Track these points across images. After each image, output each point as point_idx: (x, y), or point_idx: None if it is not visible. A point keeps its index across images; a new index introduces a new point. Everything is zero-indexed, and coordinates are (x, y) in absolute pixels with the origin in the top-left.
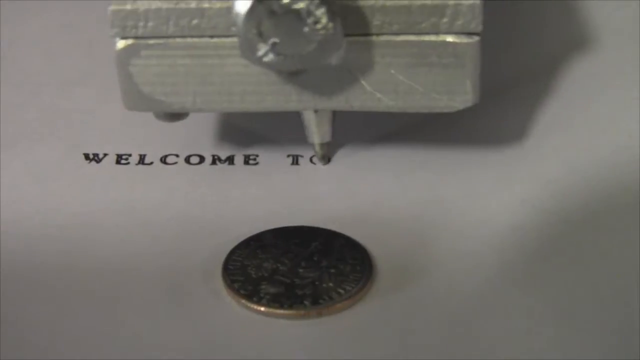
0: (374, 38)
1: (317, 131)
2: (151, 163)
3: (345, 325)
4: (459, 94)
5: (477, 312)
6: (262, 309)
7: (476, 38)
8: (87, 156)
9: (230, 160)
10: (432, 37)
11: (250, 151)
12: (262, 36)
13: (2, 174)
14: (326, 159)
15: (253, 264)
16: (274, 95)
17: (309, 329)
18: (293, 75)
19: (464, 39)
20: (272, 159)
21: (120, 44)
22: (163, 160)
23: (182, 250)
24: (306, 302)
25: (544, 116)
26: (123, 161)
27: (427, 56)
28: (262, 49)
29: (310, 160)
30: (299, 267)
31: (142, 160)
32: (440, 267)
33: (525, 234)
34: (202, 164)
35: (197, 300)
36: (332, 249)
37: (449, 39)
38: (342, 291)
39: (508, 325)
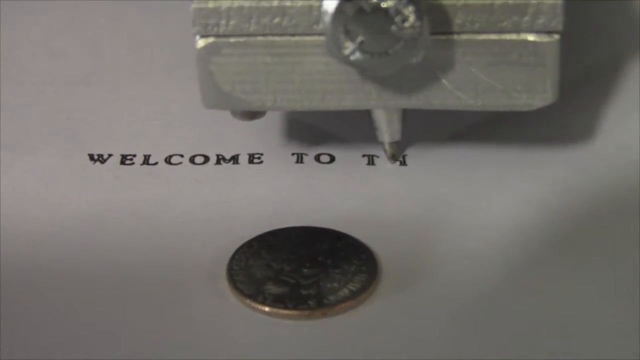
0: (456, 37)
1: (388, 130)
2: (156, 163)
3: (350, 325)
4: (538, 93)
5: (482, 313)
6: (267, 309)
7: (556, 37)
8: (91, 157)
9: (234, 159)
10: (513, 36)
11: (254, 150)
12: (349, 34)
13: (6, 174)
14: (395, 158)
15: (257, 264)
16: (354, 94)
17: (313, 329)
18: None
19: (545, 38)
20: (276, 158)
21: (201, 42)
22: (168, 160)
23: (187, 250)
24: (311, 303)
25: (546, 114)
26: (128, 161)
27: (507, 55)
28: (349, 47)
29: (315, 158)
30: (303, 267)
31: (146, 160)
32: (445, 267)
33: (531, 234)
34: (207, 163)
35: (202, 301)
36: (337, 250)
37: (530, 37)
38: (346, 291)
39: (513, 325)
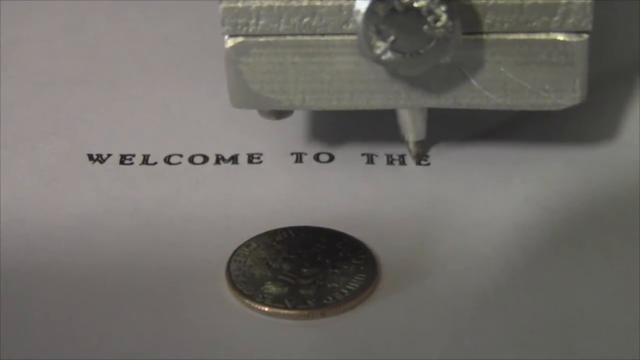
0: (485, 36)
1: (413, 129)
2: (155, 163)
3: (349, 325)
4: (567, 92)
5: (481, 312)
6: (266, 309)
7: (585, 36)
8: (90, 156)
9: (234, 159)
10: (543, 36)
11: (253, 150)
12: (380, 34)
13: (5, 174)
14: (420, 157)
15: (257, 264)
16: (383, 93)
17: (312, 329)
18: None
19: (574, 38)
20: (275, 158)
21: (230, 42)
22: (167, 160)
23: (186, 250)
24: (310, 303)
25: (547, 114)
26: (127, 161)
27: (536, 54)
28: (381, 46)
29: (314, 158)
30: (302, 267)
31: (145, 160)
32: (444, 267)
33: (529, 234)
34: (206, 163)
35: (201, 301)
36: (336, 249)
37: (560, 37)
38: (346, 291)
39: (512, 325)
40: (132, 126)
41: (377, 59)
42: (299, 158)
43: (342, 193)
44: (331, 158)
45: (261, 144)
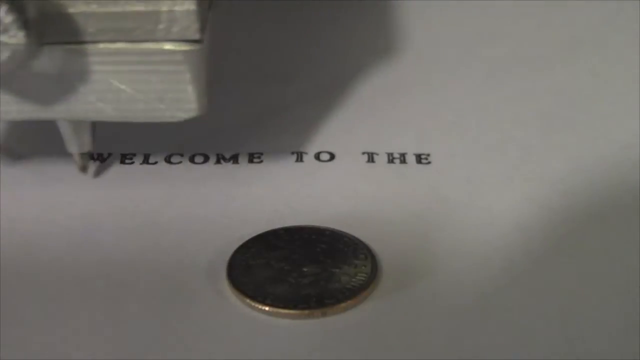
0: (91, 46)
1: (76, 140)
2: (155, 163)
3: (350, 325)
4: (183, 103)
5: (481, 312)
6: (267, 308)
7: (197, 45)
8: (91, 156)
9: (234, 159)
10: (150, 45)
11: (254, 149)
12: None
13: (5, 173)
14: (86, 169)
15: (257, 263)
16: None
17: (313, 328)
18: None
19: (184, 46)
20: (276, 157)
21: None
22: (167, 159)
23: (187, 250)
24: (311, 302)
25: (547, 115)
26: (127, 161)
27: (146, 64)
28: None
29: (315, 157)
30: (303, 266)
31: (146, 159)
32: (445, 266)
33: (530, 233)
34: (207, 163)
35: (202, 300)
36: (337, 249)
37: (167, 46)
38: (346, 291)
39: (512, 324)
40: (133, 125)
41: None
42: (299, 157)
43: (342, 192)
44: (332, 157)
45: (261, 144)
